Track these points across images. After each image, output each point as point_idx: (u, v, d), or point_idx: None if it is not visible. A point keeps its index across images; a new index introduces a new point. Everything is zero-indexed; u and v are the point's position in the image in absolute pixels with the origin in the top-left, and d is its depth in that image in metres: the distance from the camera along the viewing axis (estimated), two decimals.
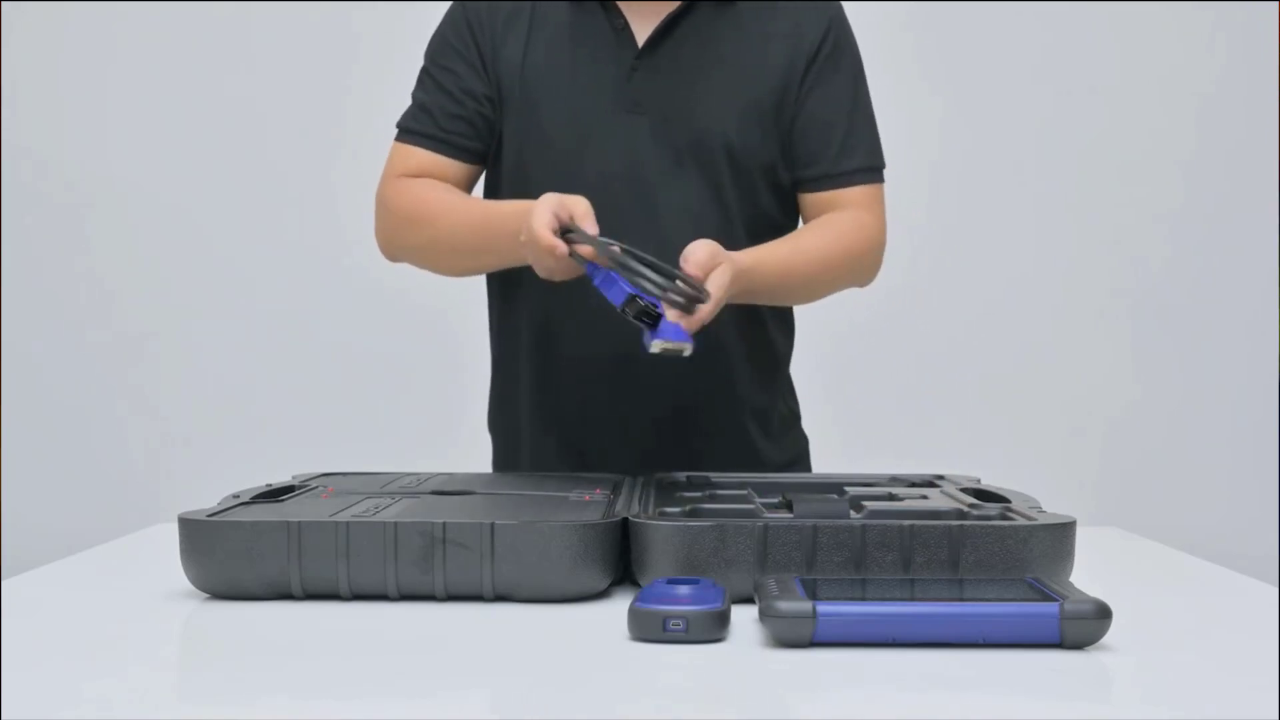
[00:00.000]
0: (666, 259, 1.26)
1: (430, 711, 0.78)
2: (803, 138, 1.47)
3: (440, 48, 1.50)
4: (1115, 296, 2.87)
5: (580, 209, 1.27)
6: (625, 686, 0.82)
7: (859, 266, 1.49)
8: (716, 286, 1.24)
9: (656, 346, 1.19)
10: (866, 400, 2.79)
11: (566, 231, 1.25)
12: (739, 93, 1.44)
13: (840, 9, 1.51)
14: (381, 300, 2.71)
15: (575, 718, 0.76)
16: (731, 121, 1.44)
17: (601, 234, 1.40)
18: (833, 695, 0.81)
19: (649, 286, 1.19)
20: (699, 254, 1.26)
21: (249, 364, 2.82)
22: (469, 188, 1.52)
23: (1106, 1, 2.80)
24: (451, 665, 0.85)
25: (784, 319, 1.57)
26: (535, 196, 1.40)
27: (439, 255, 1.47)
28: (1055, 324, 2.86)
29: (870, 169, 1.50)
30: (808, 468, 1.61)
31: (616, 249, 1.21)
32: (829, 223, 1.46)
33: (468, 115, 1.48)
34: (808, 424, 1.62)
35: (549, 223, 1.25)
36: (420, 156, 1.49)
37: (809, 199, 1.50)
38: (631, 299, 1.20)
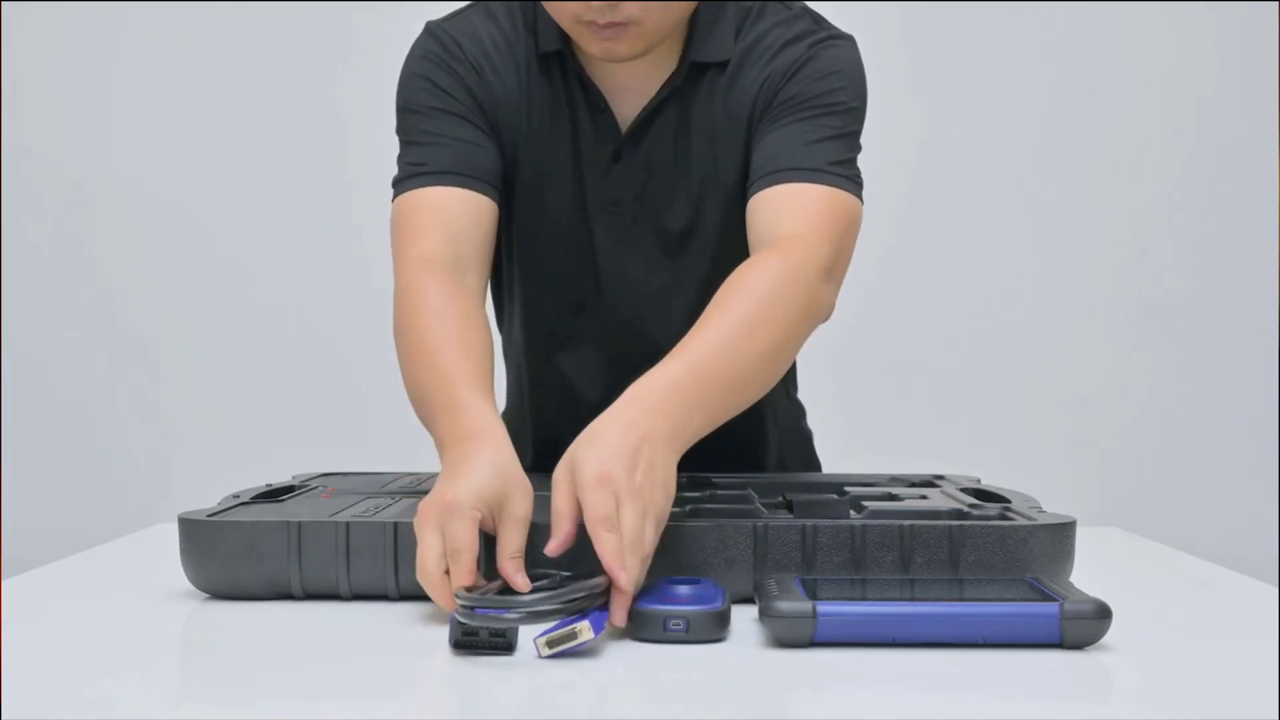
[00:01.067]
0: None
1: (430, 712, 0.78)
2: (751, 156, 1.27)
3: (425, 87, 1.29)
4: (1115, 297, 2.87)
5: (518, 513, 0.97)
6: (625, 686, 0.82)
7: (801, 308, 1.13)
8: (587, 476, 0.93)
9: (544, 648, 0.85)
10: (867, 400, 2.79)
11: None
12: (715, 177, 1.29)
13: (828, 42, 1.28)
14: (382, 300, 2.68)
15: (575, 718, 0.76)
16: (710, 210, 1.30)
17: (596, 333, 1.33)
18: (833, 695, 0.81)
19: (510, 617, 0.85)
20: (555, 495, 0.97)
21: (249, 364, 2.82)
22: (496, 229, 1.29)
23: (1107, 2, 2.80)
24: (451, 665, 0.85)
25: None
26: (529, 295, 1.35)
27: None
28: (1055, 324, 2.86)
29: (812, 169, 1.22)
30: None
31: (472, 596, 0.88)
32: (734, 280, 1.14)
33: (492, 151, 1.28)
34: (810, 424, 1.62)
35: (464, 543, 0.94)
36: (454, 199, 1.24)
37: (748, 211, 1.24)
38: (458, 623, 0.86)
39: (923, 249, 2.81)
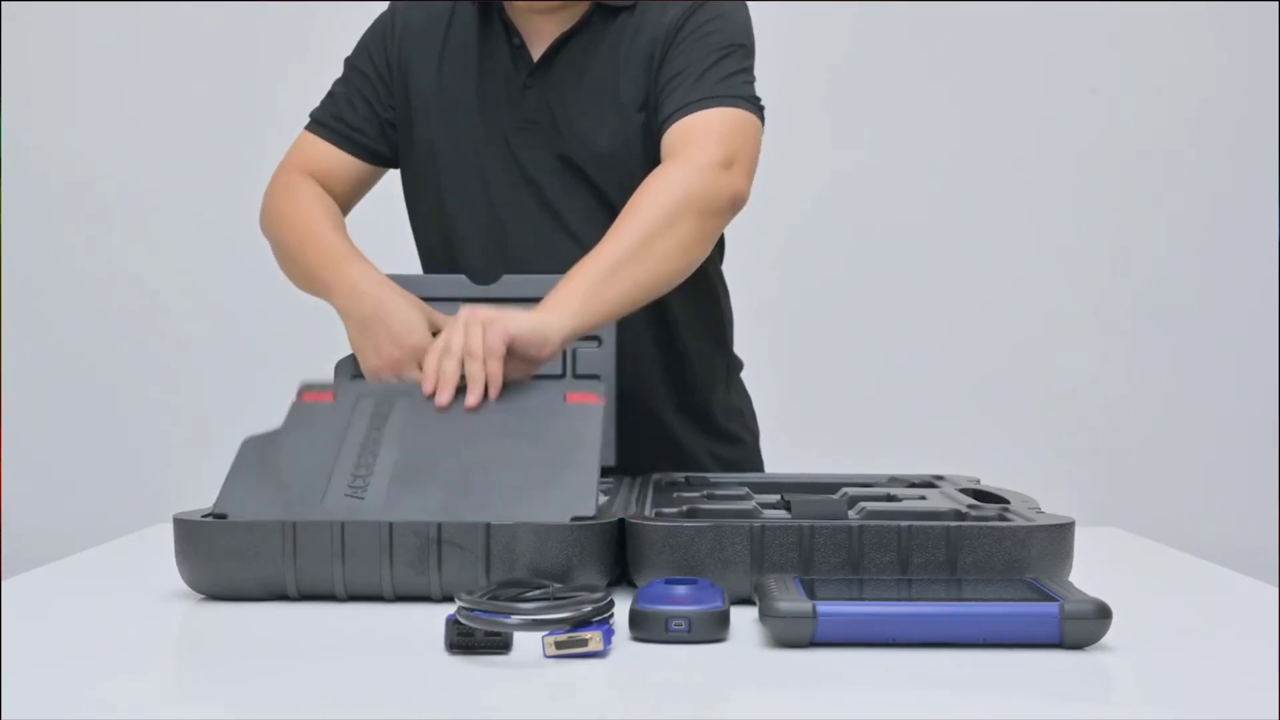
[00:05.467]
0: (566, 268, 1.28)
1: (428, 712, 0.77)
2: (657, 100, 1.42)
3: (360, 49, 1.55)
4: (1115, 296, 2.87)
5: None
6: (625, 686, 0.82)
7: (698, 208, 1.31)
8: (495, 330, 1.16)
9: (551, 647, 0.86)
10: (866, 400, 2.79)
11: None
12: (616, 99, 1.44)
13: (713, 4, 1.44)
14: None
15: (576, 718, 0.76)
16: (610, 128, 1.44)
17: (508, 251, 1.43)
18: (833, 695, 0.81)
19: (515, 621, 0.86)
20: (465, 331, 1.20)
21: (249, 363, 2.82)
22: (364, 189, 1.56)
23: (1107, 2, 2.80)
24: (449, 666, 0.85)
25: (713, 317, 1.57)
26: (449, 212, 1.50)
27: (283, 262, 1.55)
28: (1055, 324, 2.86)
29: (702, 99, 1.37)
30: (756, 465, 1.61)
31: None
32: (636, 195, 1.32)
33: (374, 118, 1.52)
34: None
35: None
36: (322, 149, 1.53)
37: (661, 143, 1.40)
38: (453, 624, 0.87)
39: (921, 247, 2.80)
